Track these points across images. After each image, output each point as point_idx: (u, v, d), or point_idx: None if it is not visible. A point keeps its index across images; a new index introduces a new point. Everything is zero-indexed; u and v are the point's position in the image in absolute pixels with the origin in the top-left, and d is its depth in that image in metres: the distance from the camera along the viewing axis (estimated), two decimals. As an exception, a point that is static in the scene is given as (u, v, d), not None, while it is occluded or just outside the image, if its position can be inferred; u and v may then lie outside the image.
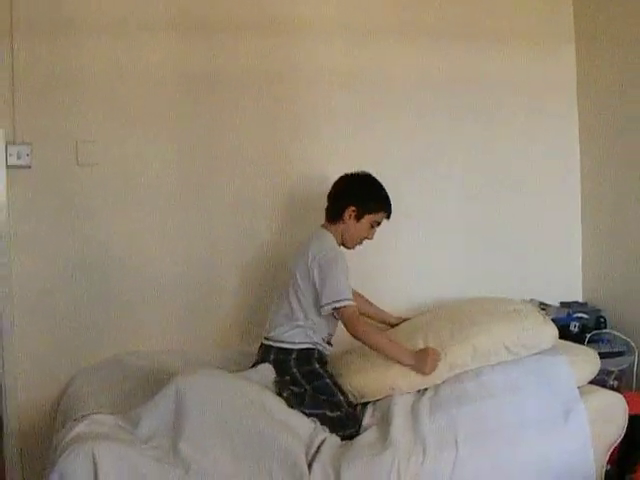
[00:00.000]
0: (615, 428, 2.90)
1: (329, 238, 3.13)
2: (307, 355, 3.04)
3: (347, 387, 3.03)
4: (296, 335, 3.05)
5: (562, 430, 2.79)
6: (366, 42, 3.73)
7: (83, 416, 2.69)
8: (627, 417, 2.91)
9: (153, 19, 3.50)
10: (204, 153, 3.61)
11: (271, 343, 3.07)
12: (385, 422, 2.80)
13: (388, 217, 3.22)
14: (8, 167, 3.32)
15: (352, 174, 3.22)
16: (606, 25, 3.81)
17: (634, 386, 3.48)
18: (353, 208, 3.14)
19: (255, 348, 3.19)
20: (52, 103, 3.40)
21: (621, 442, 2.90)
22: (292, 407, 2.82)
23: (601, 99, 3.89)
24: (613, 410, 2.93)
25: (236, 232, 3.64)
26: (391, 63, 3.77)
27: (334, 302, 2.97)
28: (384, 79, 3.76)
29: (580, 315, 3.68)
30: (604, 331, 3.63)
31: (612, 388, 3.21)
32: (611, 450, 2.89)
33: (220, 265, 3.64)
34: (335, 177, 3.27)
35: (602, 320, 3.67)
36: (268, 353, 3.06)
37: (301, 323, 3.05)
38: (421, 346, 3.02)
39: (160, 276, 3.55)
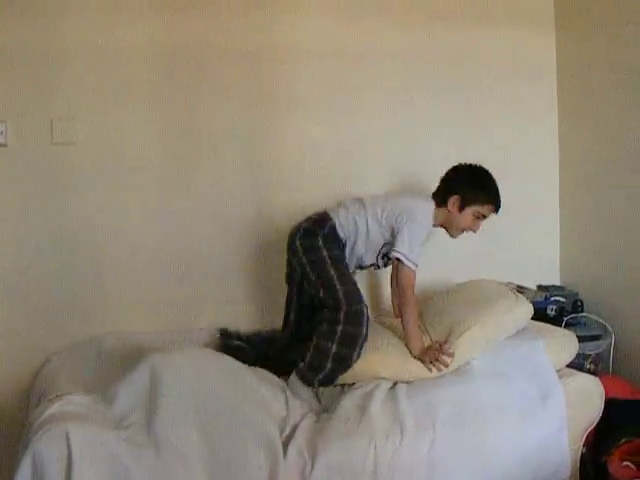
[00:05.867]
0: (591, 411, 2.92)
1: (429, 209, 3.13)
2: (335, 237, 3.04)
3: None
4: (349, 222, 3.07)
5: (539, 414, 2.81)
6: (347, 20, 3.69)
7: (57, 396, 2.65)
8: (603, 400, 2.93)
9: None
10: (186, 130, 3.55)
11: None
12: (363, 403, 2.78)
13: (496, 211, 3.22)
14: (-19, 145, 3.25)
15: (465, 164, 3.22)
16: (586, 7, 3.79)
17: (610, 369, 3.49)
18: (457, 197, 3.14)
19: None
20: (28, 80, 3.32)
21: (597, 425, 2.92)
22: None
23: (580, 82, 3.87)
24: (590, 393, 2.95)
25: (218, 211, 3.60)
26: (373, 40, 3.73)
27: (407, 257, 2.98)
28: (365, 56, 3.72)
29: (557, 299, 3.68)
30: (581, 315, 3.64)
31: (589, 371, 3.22)
32: (587, 433, 2.91)
33: (200, 246, 3.60)
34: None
35: (579, 304, 3.67)
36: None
37: (360, 223, 3.07)
38: None
39: (138, 256, 3.51)
